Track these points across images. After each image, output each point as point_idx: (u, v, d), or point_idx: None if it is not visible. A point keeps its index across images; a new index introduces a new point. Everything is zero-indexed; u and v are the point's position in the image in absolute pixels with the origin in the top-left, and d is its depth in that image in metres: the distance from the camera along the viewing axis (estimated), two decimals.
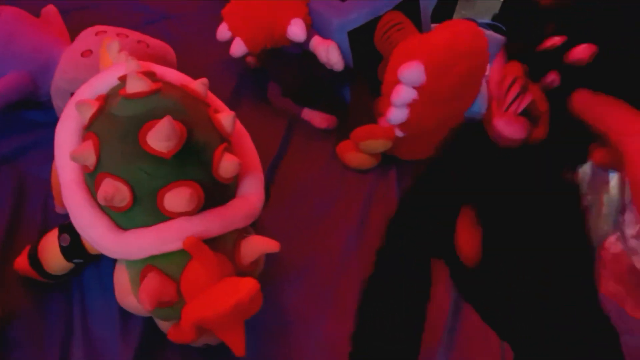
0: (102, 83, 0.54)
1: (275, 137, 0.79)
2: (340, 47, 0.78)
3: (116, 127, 0.47)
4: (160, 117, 0.45)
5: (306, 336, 0.59)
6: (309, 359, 0.57)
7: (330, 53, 0.77)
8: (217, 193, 0.50)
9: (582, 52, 0.30)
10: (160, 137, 0.45)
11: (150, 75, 0.51)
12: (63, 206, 0.61)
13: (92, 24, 0.73)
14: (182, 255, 0.47)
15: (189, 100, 0.51)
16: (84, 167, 0.49)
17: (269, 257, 0.54)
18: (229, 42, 0.82)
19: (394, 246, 0.47)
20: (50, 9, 0.79)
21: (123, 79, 0.51)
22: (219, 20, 0.82)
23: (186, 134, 0.47)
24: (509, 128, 0.35)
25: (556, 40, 0.31)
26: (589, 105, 0.30)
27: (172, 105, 0.48)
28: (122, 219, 0.48)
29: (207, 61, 0.87)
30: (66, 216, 0.58)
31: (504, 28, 1.08)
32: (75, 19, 0.83)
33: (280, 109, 0.84)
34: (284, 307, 0.60)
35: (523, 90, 0.34)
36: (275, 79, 0.85)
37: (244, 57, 0.86)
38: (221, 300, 0.46)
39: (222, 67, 0.88)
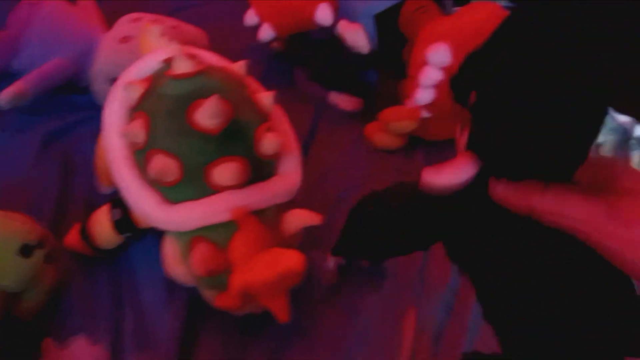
0: (146, 66, 0.56)
1: (303, 121, 0.81)
2: (366, 31, 0.80)
3: (164, 106, 0.50)
4: (207, 96, 0.48)
5: (335, 305, 0.61)
6: (337, 327, 0.60)
7: (357, 37, 0.79)
8: (259, 170, 0.53)
9: None
10: (209, 115, 0.48)
11: (193, 57, 0.53)
12: (107, 185, 0.64)
13: (124, 13, 0.76)
14: (228, 227, 0.50)
15: (231, 81, 0.53)
16: (134, 145, 0.51)
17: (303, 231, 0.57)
18: (256, 28, 0.85)
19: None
20: None
21: (168, 61, 0.53)
22: (246, 6, 0.85)
23: (232, 112, 0.49)
24: None
25: None
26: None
27: (217, 85, 0.51)
28: (170, 193, 0.51)
29: (235, 47, 0.89)
30: (110, 195, 0.61)
31: None
32: (108, 7, 0.85)
33: (307, 93, 0.86)
34: (315, 279, 0.62)
35: None
36: (302, 63, 0.87)
37: (270, 43, 0.88)
38: (268, 269, 0.48)
39: (249, 52, 0.90)
